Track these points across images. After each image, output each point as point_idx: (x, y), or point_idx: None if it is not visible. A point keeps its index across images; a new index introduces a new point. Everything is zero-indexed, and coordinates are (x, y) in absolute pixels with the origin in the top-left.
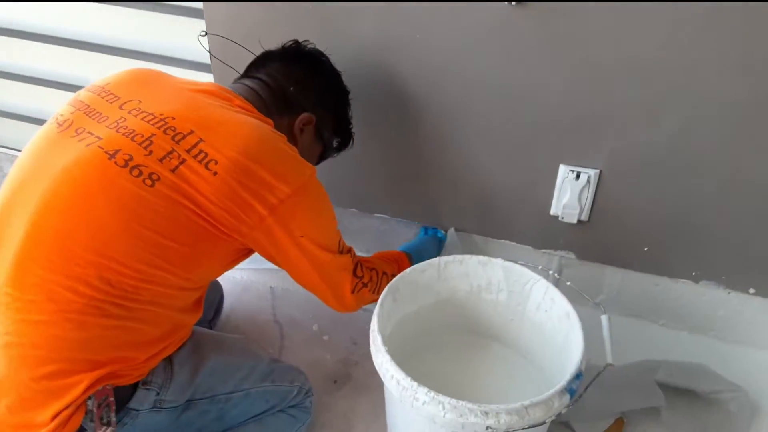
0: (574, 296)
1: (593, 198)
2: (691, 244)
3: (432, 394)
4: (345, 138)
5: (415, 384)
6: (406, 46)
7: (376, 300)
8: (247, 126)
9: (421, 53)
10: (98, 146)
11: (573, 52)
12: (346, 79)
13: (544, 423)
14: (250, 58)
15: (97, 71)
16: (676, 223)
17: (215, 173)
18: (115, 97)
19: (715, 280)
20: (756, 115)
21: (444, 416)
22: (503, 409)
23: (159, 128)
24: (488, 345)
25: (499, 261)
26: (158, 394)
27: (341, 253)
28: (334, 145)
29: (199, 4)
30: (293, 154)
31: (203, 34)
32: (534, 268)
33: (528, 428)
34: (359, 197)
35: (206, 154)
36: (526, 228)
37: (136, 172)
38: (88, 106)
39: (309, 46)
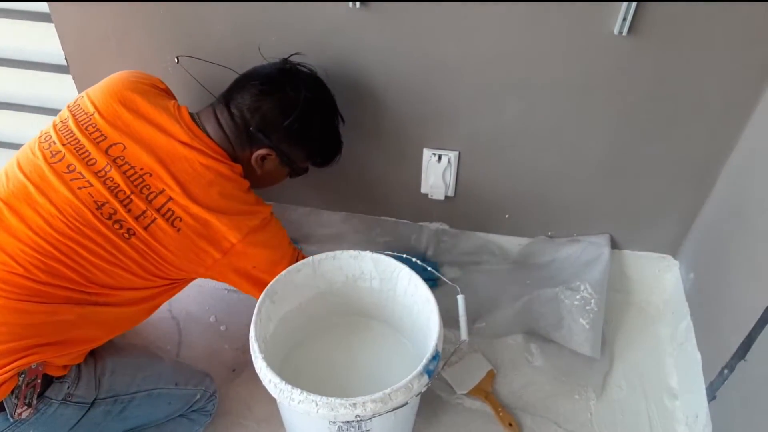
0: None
1: (456, 176)
2: (543, 208)
3: (305, 394)
4: (326, 158)
5: (290, 386)
6: (263, 47)
7: None
8: (209, 185)
9: (283, 51)
10: (89, 193)
11: (417, 48)
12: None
13: (407, 404)
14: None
15: None
16: (529, 192)
17: (179, 230)
18: (102, 136)
19: (568, 236)
20: (582, 97)
21: (317, 412)
22: (368, 399)
23: (137, 186)
24: (368, 324)
25: (368, 253)
26: (69, 387)
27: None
28: (311, 165)
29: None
30: (247, 207)
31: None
32: (400, 257)
33: (393, 410)
34: None
35: (173, 212)
36: (402, 205)
37: (117, 225)
38: (78, 141)
39: (295, 68)
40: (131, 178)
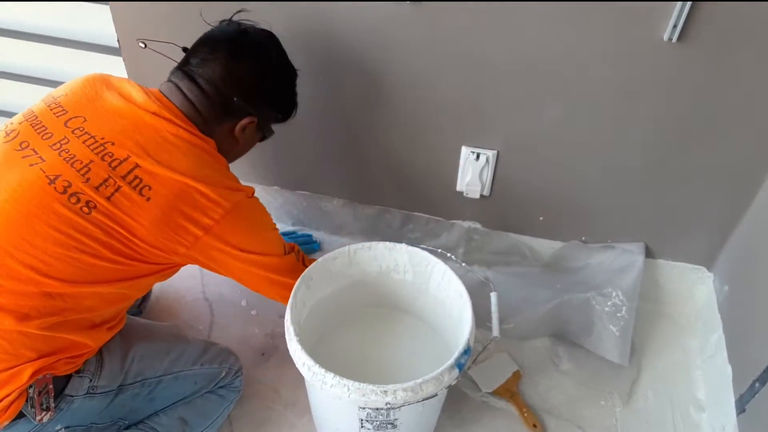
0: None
1: (493, 176)
2: (578, 213)
3: (338, 378)
4: (289, 112)
5: (323, 370)
6: (316, 40)
7: None
8: (182, 155)
9: (331, 46)
10: (41, 169)
11: (464, 47)
12: None
13: (436, 395)
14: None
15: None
16: (565, 196)
17: (148, 199)
18: (63, 110)
19: (602, 242)
20: (625, 103)
21: (349, 396)
22: (399, 387)
23: (97, 154)
24: (399, 316)
25: (403, 246)
26: (91, 380)
27: (287, 254)
28: (274, 123)
29: None
30: (230, 182)
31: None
32: (435, 252)
33: (423, 400)
34: (283, 175)
35: (141, 180)
36: (436, 202)
37: (74, 199)
38: (36, 117)
39: (252, 28)
40: (90, 147)
